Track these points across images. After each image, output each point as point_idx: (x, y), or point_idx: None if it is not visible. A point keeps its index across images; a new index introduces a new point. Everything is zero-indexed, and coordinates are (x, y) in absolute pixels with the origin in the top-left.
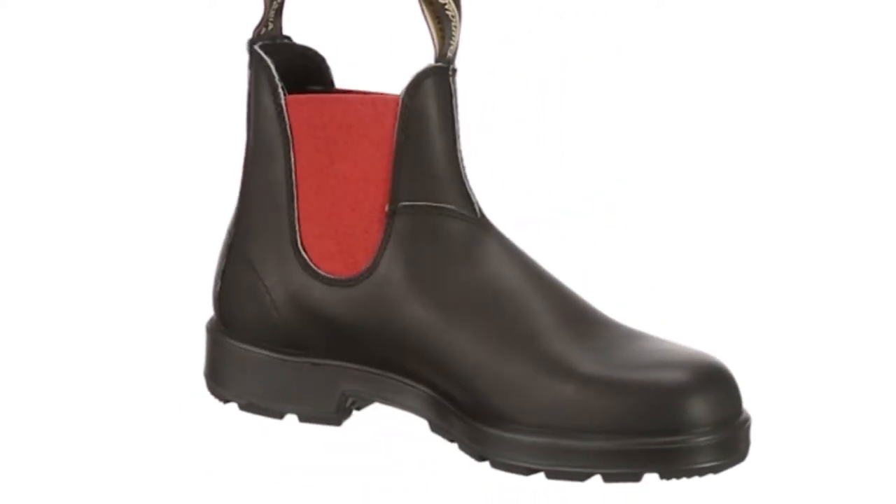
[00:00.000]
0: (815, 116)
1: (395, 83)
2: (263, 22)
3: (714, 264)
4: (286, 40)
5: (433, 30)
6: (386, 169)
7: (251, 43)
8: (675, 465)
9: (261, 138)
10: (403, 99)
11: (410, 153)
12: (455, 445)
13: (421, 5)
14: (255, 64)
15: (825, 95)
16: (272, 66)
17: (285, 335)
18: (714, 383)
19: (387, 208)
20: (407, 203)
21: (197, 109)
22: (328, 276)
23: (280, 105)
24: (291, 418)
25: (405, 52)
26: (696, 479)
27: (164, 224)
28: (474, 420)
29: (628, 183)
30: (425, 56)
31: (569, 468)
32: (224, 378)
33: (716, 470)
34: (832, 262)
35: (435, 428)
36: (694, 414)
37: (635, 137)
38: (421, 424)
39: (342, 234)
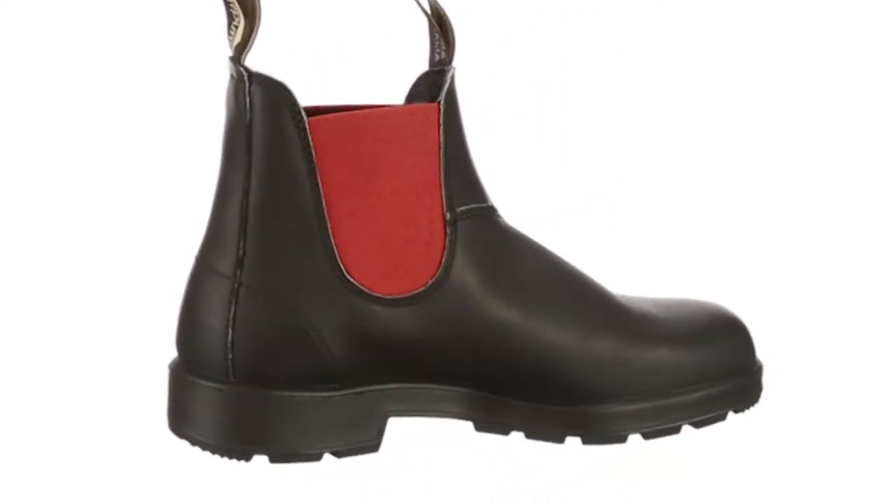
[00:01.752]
0: (815, 116)
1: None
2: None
3: (712, 264)
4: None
5: (440, 36)
6: (437, 177)
7: (242, 68)
8: (748, 401)
9: (275, 168)
10: (443, 104)
11: (455, 158)
12: (511, 436)
13: (431, 18)
14: (266, 90)
15: (825, 95)
16: (291, 90)
17: (333, 370)
18: (744, 327)
19: (448, 216)
20: (464, 208)
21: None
22: (387, 297)
23: (304, 130)
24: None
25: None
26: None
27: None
28: (562, 405)
29: (626, 182)
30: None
31: (665, 425)
32: (251, 433)
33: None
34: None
35: (483, 426)
36: (753, 353)
37: (633, 137)
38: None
39: (397, 252)
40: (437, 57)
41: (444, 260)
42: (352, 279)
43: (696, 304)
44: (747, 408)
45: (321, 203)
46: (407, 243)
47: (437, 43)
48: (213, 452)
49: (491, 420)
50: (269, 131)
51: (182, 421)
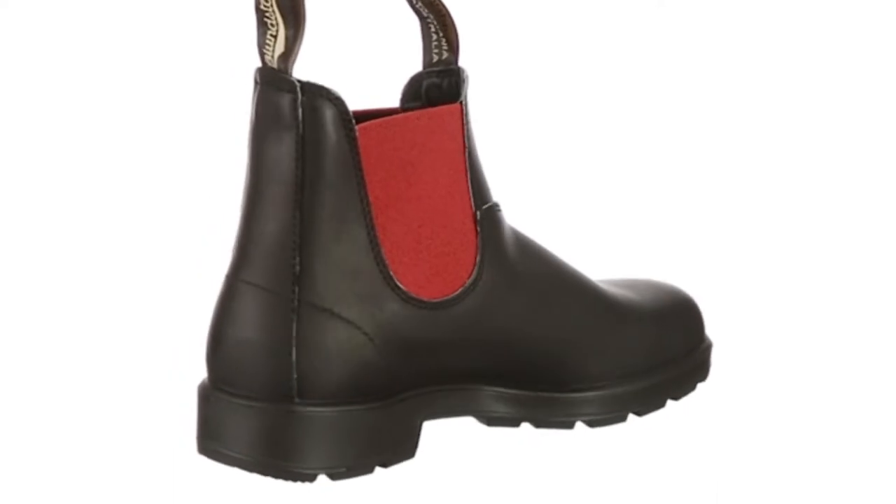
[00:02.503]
0: (815, 116)
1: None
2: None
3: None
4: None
5: (441, 36)
6: (464, 177)
7: (295, 78)
8: (707, 371)
9: (330, 179)
10: (464, 104)
11: (473, 157)
12: (522, 428)
13: (430, 18)
14: (321, 100)
15: (824, 95)
16: (342, 97)
17: (386, 380)
18: (696, 305)
19: (478, 215)
20: (485, 206)
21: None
22: (432, 301)
23: (354, 139)
24: None
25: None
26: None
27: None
28: (564, 392)
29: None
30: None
31: (652, 403)
32: (319, 453)
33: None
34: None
35: (499, 421)
36: (704, 330)
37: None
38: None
39: (438, 256)
40: (436, 57)
41: (477, 260)
42: (401, 286)
43: (655, 283)
44: (699, 382)
45: (370, 212)
46: (446, 245)
47: (436, 43)
48: (279, 477)
49: (509, 413)
50: (324, 142)
51: (225, 445)
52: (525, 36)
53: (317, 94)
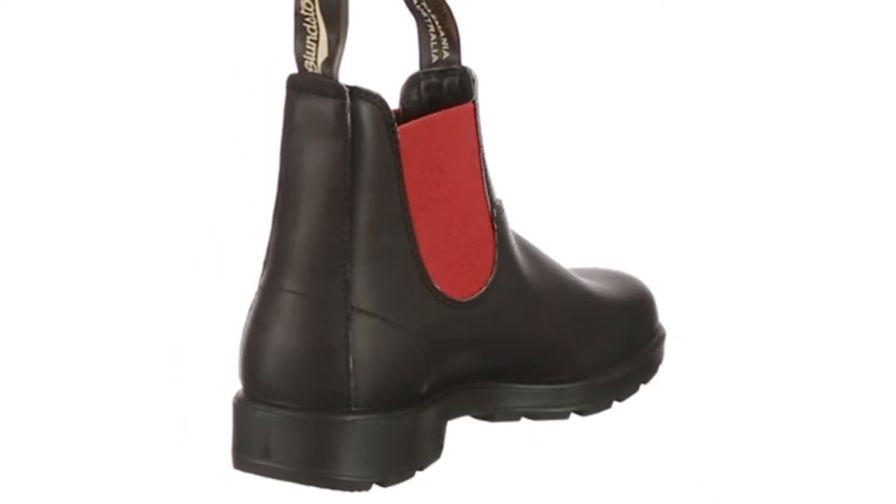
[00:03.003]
0: (815, 116)
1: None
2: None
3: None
4: None
5: (443, 35)
6: (480, 175)
7: (343, 84)
8: (663, 355)
9: (377, 184)
10: (476, 103)
11: (484, 155)
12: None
13: (439, 18)
14: (370, 104)
15: (825, 95)
16: (385, 100)
17: (425, 383)
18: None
19: (494, 213)
20: (497, 204)
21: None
22: (463, 301)
23: (397, 142)
24: None
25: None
26: None
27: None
28: (555, 384)
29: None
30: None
31: (630, 390)
32: (363, 461)
33: None
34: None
35: (502, 416)
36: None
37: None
38: None
39: (466, 256)
40: (436, 57)
41: (496, 258)
42: (437, 287)
43: (613, 272)
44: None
45: (410, 215)
46: (471, 245)
47: (434, 42)
48: (340, 488)
49: (508, 408)
50: (371, 146)
51: (272, 459)
52: (524, 35)
53: (364, 98)
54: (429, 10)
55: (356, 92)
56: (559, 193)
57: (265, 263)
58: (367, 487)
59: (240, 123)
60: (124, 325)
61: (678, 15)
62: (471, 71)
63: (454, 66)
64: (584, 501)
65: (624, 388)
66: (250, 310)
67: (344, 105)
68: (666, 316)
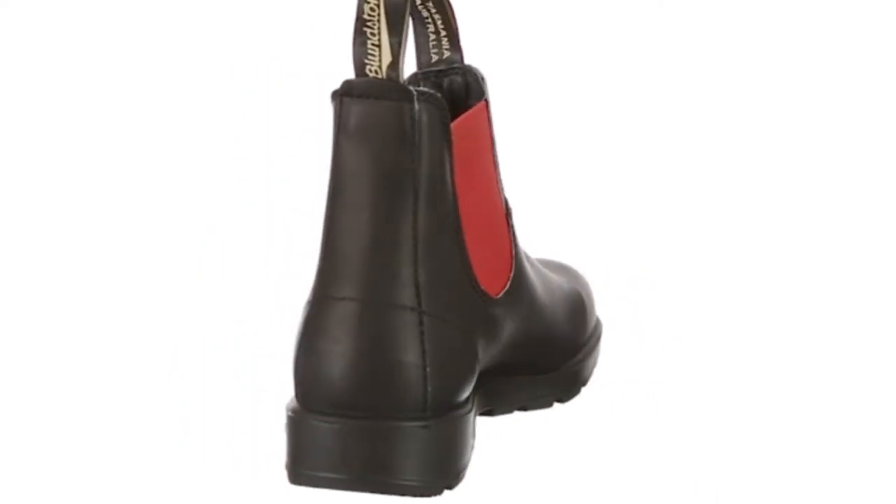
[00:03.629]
0: (815, 116)
1: None
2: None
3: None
4: None
5: (444, 35)
6: (495, 173)
7: (400, 87)
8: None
9: (438, 186)
10: (488, 101)
11: (496, 154)
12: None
13: (441, 18)
14: (433, 106)
15: (825, 95)
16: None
17: (473, 384)
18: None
19: (509, 209)
20: (506, 201)
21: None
22: (495, 299)
23: (450, 142)
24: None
25: None
26: None
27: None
28: (538, 374)
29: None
30: None
31: (588, 376)
32: (441, 465)
33: None
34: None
35: (504, 409)
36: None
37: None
38: None
39: (497, 254)
40: (435, 57)
41: (513, 253)
42: (481, 287)
43: (558, 263)
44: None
45: (459, 216)
46: (500, 243)
47: (434, 42)
48: (417, 495)
49: (508, 402)
50: (435, 149)
51: (339, 471)
52: (523, 35)
53: (427, 100)
54: (432, 10)
55: (422, 95)
56: (558, 193)
57: (320, 272)
58: (440, 492)
59: (239, 123)
60: (125, 325)
61: (678, 15)
62: (477, 70)
63: (455, 66)
64: (584, 501)
65: (587, 374)
66: (307, 320)
67: (412, 108)
68: (666, 316)
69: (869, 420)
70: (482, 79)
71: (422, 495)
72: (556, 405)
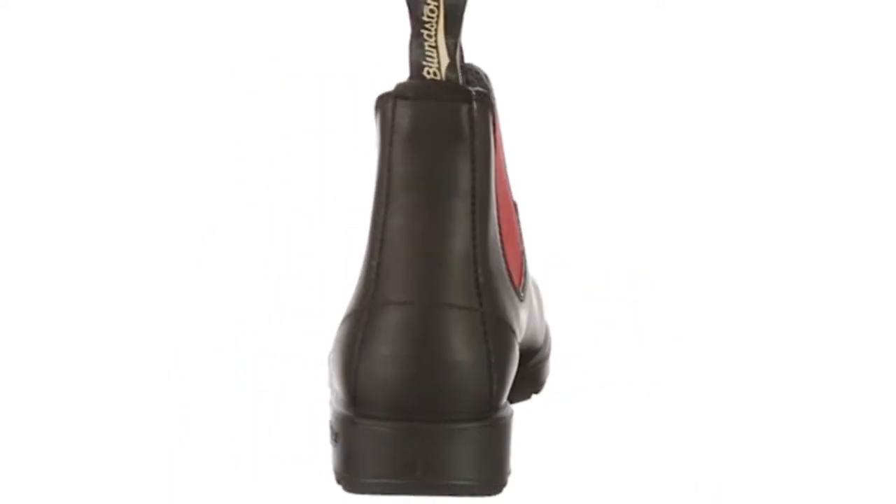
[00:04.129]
0: (815, 117)
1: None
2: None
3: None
4: None
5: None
6: (504, 170)
7: (461, 88)
8: None
9: (488, 186)
10: (494, 99)
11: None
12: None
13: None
14: (485, 106)
15: (825, 95)
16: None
17: None
18: None
19: (517, 206)
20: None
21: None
22: (521, 294)
23: (496, 139)
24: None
25: None
26: None
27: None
28: (534, 364)
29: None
30: None
31: (549, 367)
32: (506, 463)
33: None
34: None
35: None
36: None
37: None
38: None
39: (515, 251)
40: None
41: (522, 248)
42: (517, 285)
43: None
44: None
45: (499, 212)
46: (515, 237)
47: None
48: (477, 494)
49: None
50: (487, 147)
51: (402, 476)
52: (522, 35)
53: (483, 101)
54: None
55: (478, 96)
56: (558, 193)
57: (373, 277)
58: (499, 491)
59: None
60: (124, 326)
61: (678, 15)
62: (479, 69)
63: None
64: (584, 501)
65: (549, 364)
66: (362, 325)
67: (471, 109)
68: (666, 316)
69: (868, 419)
70: (486, 77)
71: (483, 495)
72: (556, 405)
